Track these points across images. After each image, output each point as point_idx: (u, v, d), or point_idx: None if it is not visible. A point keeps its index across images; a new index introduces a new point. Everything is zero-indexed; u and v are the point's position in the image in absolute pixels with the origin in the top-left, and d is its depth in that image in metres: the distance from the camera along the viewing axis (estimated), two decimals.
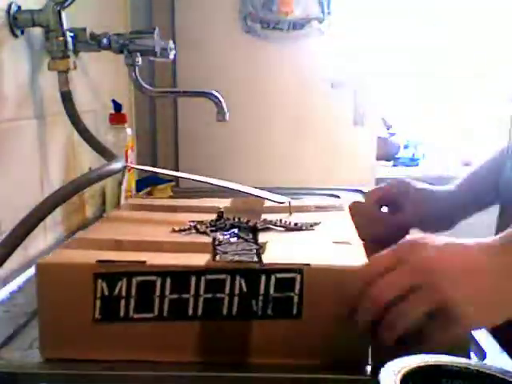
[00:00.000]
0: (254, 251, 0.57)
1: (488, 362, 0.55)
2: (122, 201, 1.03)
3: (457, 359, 0.45)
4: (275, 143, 2.07)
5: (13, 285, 0.74)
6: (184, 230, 0.67)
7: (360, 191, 1.39)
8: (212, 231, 0.66)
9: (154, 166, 2.03)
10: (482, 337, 0.60)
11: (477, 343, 0.59)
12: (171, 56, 1.07)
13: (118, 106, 1.16)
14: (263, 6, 2.02)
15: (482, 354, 0.57)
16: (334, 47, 2.02)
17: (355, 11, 2.01)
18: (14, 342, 0.60)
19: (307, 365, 0.53)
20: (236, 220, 0.70)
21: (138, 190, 1.19)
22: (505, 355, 0.57)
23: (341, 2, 2.03)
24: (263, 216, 0.73)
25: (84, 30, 0.94)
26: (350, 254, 0.58)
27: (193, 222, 0.69)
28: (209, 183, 0.85)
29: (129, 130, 1.16)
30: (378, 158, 2.05)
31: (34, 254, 0.85)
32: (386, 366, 0.43)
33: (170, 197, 1.22)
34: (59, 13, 0.84)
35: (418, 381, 0.43)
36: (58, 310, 0.54)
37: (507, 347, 0.58)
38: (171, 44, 1.07)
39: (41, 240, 0.90)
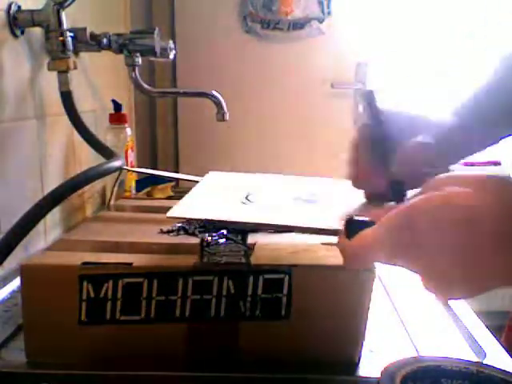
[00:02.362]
0: (243, 252, 0.57)
1: (488, 362, 0.55)
2: (112, 201, 1.03)
3: (457, 359, 0.45)
4: (275, 143, 2.08)
5: (13, 285, 0.74)
6: (172, 231, 0.66)
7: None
8: (200, 232, 0.65)
9: (154, 166, 2.04)
10: (482, 337, 0.60)
11: (477, 343, 0.59)
12: (171, 56, 1.07)
13: (118, 106, 1.16)
14: (263, 6, 2.02)
15: (481, 354, 0.57)
16: (334, 47, 2.02)
17: (355, 11, 2.01)
18: (14, 341, 0.60)
19: (296, 365, 0.53)
20: None
21: (138, 189, 1.19)
22: (505, 355, 0.57)
23: (341, 2, 2.03)
24: None
25: (84, 29, 0.94)
26: (338, 254, 0.58)
27: (181, 222, 0.68)
28: None
29: (129, 130, 1.16)
30: None
31: (33, 253, 0.85)
32: (386, 366, 0.44)
33: (170, 197, 1.22)
34: (59, 13, 0.84)
35: (418, 381, 0.43)
36: (43, 312, 0.53)
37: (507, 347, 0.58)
38: (171, 44, 1.07)
39: (41, 240, 0.90)
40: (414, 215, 0.40)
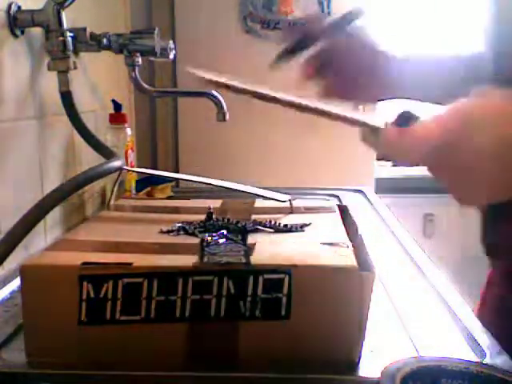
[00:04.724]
0: (243, 252, 0.57)
1: (488, 361, 0.55)
2: (112, 201, 1.03)
3: (457, 359, 0.45)
4: (275, 143, 2.08)
5: (13, 285, 0.74)
6: (172, 231, 0.66)
7: (360, 191, 1.39)
8: (200, 232, 0.65)
9: (154, 166, 2.03)
10: (482, 337, 0.60)
11: (477, 343, 0.59)
12: (171, 56, 1.07)
13: (117, 106, 1.16)
14: (263, 6, 2.02)
15: (481, 354, 0.57)
16: None
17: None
18: (14, 342, 0.59)
19: (296, 365, 0.53)
20: (225, 221, 0.69)
21: (138, 189, 1.19)
22: (505, 355, 0.57)
23: (341, 2, 2.03)
24: (253, 217, 0.72)
25: (84, 29, 0.94)
26: (339, 255, 0.58)
27: (181, 222, 0.69)
28: (207, 183, 0.85)
29: (129, 130, 1.16)
30: (378, 158, 2.05)
31: (34, 253, 0.85)
32: (386, 366, 0.44)
33: (170, 197, 1.22)
34: (59, 13, 0.84)
35: (418, 381, 0.43)
36: (43, 312, 0.53)
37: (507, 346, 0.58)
38: (171, 44, 1.07)
39: (41, 240, 0.90)
40: (466, 114, 0.45)
